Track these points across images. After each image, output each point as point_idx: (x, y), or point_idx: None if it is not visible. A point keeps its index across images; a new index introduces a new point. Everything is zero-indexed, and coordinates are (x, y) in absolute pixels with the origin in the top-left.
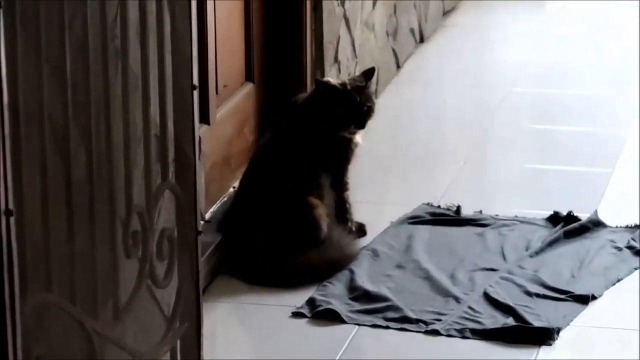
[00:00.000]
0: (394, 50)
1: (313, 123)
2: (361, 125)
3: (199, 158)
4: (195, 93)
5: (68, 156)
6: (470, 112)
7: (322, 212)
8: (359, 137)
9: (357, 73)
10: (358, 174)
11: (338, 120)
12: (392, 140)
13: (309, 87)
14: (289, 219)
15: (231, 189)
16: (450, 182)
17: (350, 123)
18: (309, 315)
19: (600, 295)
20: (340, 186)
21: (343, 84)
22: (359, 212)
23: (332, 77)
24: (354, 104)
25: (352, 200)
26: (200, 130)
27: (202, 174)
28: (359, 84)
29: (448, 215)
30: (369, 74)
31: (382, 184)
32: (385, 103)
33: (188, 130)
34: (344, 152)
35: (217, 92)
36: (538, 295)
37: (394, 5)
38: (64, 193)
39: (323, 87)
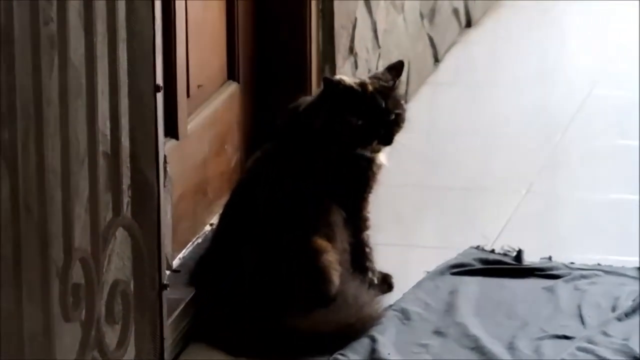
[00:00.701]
0: (430, 38)
1: (321, 138)
2: (387, 140)
3: (164, 185)
4: (159, 96)
5: None
6: (534, 124)
7: (333, 258)
8: (383, 157)
9: (381, 69)
10: (382, 206)
11: (355, 133)
12: (428, 161)
13: (315, 88)
14: (288, 268)
15: (208, 227)
16: (507, 218)
17: (371, 138)
18: None
19: None
20: (357, 223)
21: (362, 84)
22: (384, 259)
23: (346, 75)
24: (378, 111)
25: (373, 243)
26: (165, 146)
27: (168, 207)
28: (384, 85)
29: (505, 262)
30: (396, 70)
31: (414, 220)
32: (419, 110)
33: (149, 146)
34: (363, 177)
35: (188, 95)
36: None
37: None
38: None
39: (335, 88)
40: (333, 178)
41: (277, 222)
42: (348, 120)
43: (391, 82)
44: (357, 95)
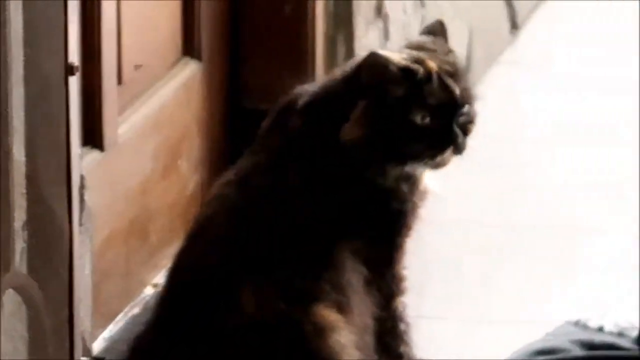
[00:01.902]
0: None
1: (344, 151)
2: (462, 146)
3: (81, 222)
4: (74, 81)
5: None
6: None
7: (347, 339)
8: (429, 179)
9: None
10: (425, 259)
11: (421, 139)
12: (496, 187)
13: (321, 68)
14: (277, 350)
15: (149, 289)
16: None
17: (445, 143)
18: None
19: None
20: (387, 285)
21: (420, 62)
22: (428, 339)
23: (382, 49)
24: (451, 103)
25: (411, 316)
26: (83, 162)
27: (86, 257)
28: (448, 61)
29: (620, 347)
30: (436, 32)
31: (477, 280)
32: (488, 106)
33: (56, 162)
34: (400, 211)
35: (119, 81)
36: None
37: None
38: None
39: (382, 70)
40: (352, 214)
41: (259, 283)
42: (410, 119)
43: (453, 58)
44: (417, 81)
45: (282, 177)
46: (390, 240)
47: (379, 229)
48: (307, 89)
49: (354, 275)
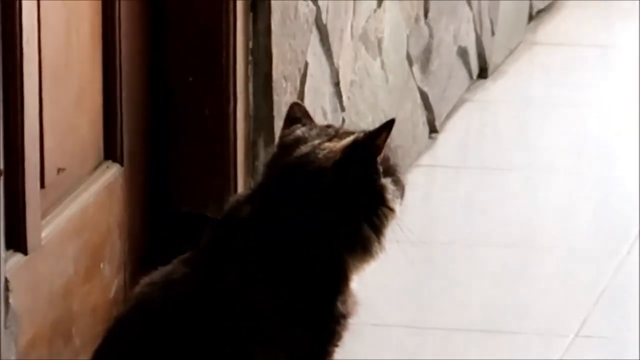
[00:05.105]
0: (424, 96)
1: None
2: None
3: (5, 325)
4: None
5: None
6: (586, 236)
7: None
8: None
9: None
10: None
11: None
12: (425, 290)
13: (242, 171)
14: None
15: None
16: None
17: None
18: None
19: None
20: None
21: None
22: None
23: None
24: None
25: None
26: (7, 265)
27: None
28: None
29: None
30: (301, 117)
31: None
32: (405, 212)
33: None
34: (333, 313)
35: (42, 185)
36: None
37: (421, 2)
38: None
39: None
40: (286, 321)
41: None
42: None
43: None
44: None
45: (213, 286)
46: (323, 345)
47: (314, 334)
48: (239, 196)
49: None
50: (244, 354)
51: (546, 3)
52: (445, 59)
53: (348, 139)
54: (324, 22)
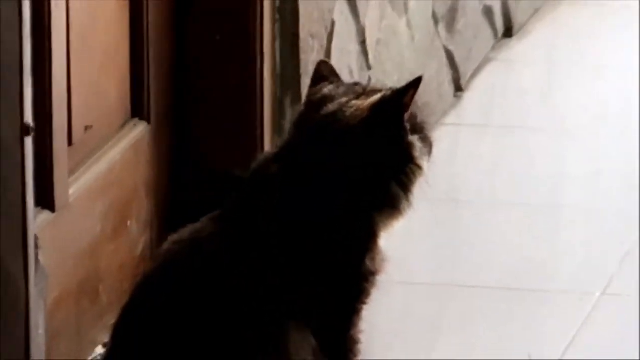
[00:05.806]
0: (449, 54)
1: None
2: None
3: (35, 283)
4: (28, 141)
5: None
6: (609, 194)
7: None
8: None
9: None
10: (385, 317)
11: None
12: (453, 247)
13: (269, 130)
14: None
15: (100, 348)
16: (577, 330)
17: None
18: None
19: None
20: (340, 350)
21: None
22: None
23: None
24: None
25: None
26: (36, 222)
27: (40, 317)
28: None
29: None
30: (329, 75)
31: (435, 338)
32: (432, 169)
33: (11, 221)
34: (360, 269)
35: (70, 142)
36: None
37: None
38: None
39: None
40: (313, 282)
41: (202, 350)
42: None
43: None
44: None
45: (242, 245)
46: (350, 303)
47: (341, 290)
48: (266, 155)
49: (300, 347)
50: (275, 311)
51: None
52: (471, 18)
53: (375, 97)
54: None
